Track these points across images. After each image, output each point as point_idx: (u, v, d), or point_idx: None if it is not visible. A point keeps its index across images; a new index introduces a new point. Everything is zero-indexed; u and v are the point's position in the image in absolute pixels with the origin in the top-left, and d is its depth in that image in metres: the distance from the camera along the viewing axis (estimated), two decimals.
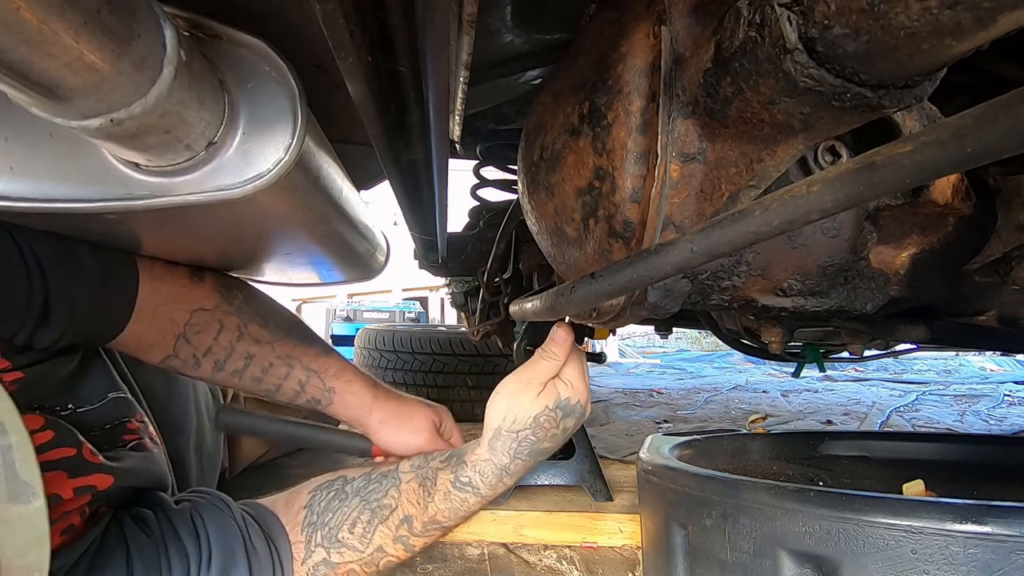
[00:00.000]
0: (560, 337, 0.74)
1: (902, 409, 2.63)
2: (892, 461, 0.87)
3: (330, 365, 0.86)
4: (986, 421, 2.38)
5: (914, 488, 0.66)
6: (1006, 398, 2.97)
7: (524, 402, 0.72)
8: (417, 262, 1.76)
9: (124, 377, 0.85)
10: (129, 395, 0.81)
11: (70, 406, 0.71)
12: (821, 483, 0.79)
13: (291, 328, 0.86)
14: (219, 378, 0.82)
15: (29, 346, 0.65)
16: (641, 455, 0.80)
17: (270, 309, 0.86)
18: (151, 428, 0.81)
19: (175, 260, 0.79)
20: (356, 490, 0.75)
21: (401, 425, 0.86)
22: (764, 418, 0.96)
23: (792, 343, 0.87)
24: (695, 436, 0.89)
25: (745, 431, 0.94)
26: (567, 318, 0.88)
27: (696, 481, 0.64)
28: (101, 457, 0.67)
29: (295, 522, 0.73)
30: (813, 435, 0.93)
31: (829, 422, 2.20)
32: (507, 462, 0.72)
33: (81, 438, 0.66)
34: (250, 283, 0.89)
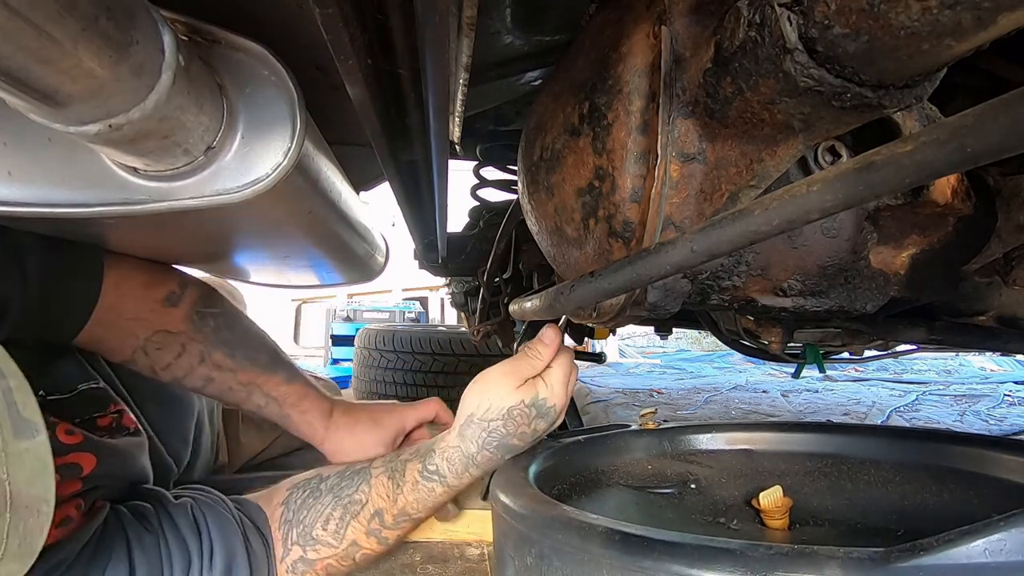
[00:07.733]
0: (548, 337, 0.75)
1: (902, 409, 2.63)
2: (774, 454, 0.86)
3: (290, 393, 0.92)
4: (986, 421, 2.38)
5: (771, 496, 0.61)
6: (1006, 398, 2.96)
7: (501, 392, 0.72)
8: (417, 262, 1.76)
9: (101, 368, 0.88)
10: (104, 384, 0.84)
11: (40, 392, 0.71)
12: (694, 485, 0.75)
13: (258, 358, 0.91)
14: (180, 387, 0.89)
15: None
16: (496, 474, 0.71)
17: (243, 339, 0.91)
18: (129, 416, 0.83)
19: (173, 262, 0.79)
20: (330, 487, 0.76)
21: (354, 448, 0.93)
22: (655, 412, 0.92)
23: (792, 344, 0.87)
24: (581, 435, 0.84)
25: (635, 427, 0.91)
26: (563, 319, 0.88)
27: (519, 516, 0.57)
28: (80, 435, 0.67)
29: (274, 517, 0.75)
30: (697, 429, 0.90)
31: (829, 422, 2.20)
32: (475, 451, 0.72)
33: (53, 419, 0.65)
34: (234, 310, 0.93)
